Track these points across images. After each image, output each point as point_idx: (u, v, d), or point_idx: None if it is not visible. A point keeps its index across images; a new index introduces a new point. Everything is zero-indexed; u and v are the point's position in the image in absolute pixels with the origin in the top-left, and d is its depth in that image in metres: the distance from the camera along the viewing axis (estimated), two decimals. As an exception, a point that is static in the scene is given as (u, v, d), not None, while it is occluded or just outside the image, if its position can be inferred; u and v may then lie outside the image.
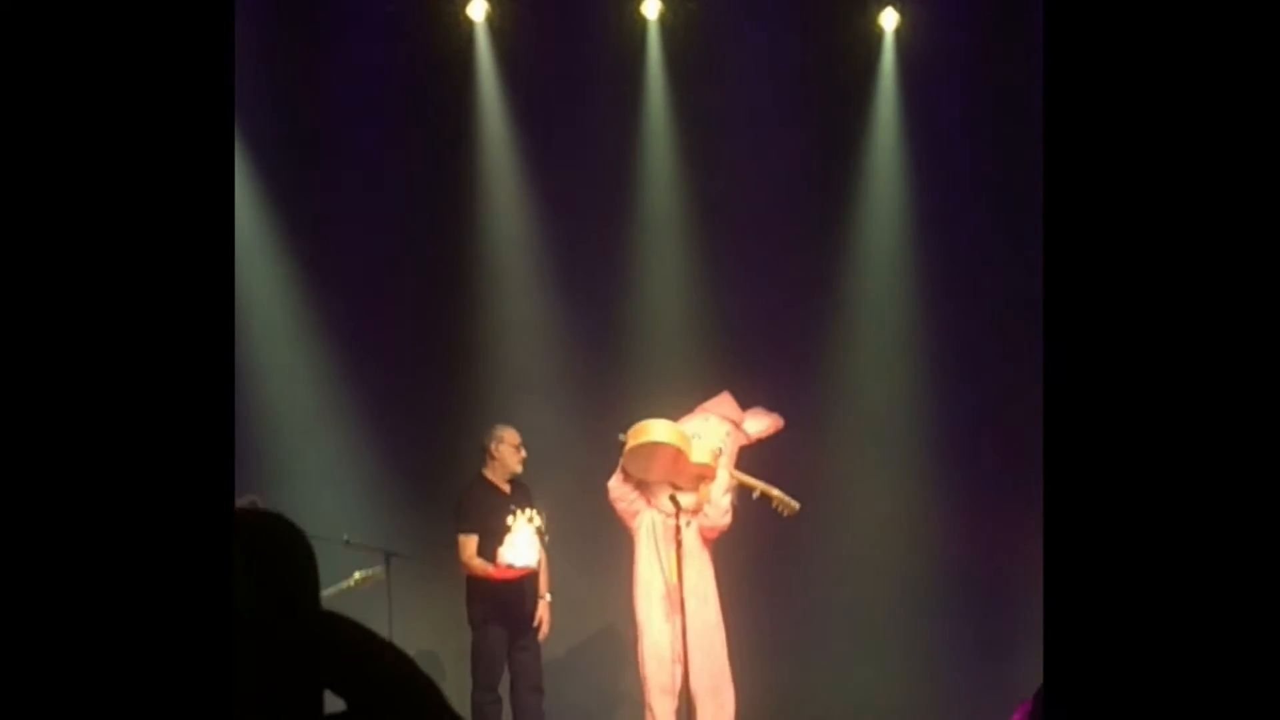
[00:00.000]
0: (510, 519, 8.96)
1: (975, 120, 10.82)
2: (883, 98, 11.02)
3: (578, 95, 10.87)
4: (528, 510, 9.01)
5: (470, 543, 9.03)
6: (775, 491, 9.16)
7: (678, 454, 8.87)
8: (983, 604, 10.44)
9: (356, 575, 9.16)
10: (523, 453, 9.22)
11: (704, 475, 9.00)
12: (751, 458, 9.29)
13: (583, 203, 10.96)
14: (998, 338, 10.53)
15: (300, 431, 10.73)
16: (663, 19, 10.89)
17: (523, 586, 9.05)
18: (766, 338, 10.83)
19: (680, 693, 8.88)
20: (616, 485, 9.04)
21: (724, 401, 9.25)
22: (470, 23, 10.83)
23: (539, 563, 9.07)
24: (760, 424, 9.27)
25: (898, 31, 10.94)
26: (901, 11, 10.90)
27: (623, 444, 8.89)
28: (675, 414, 9.13)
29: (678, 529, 8.81)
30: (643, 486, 9.05)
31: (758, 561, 9.98)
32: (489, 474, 9.21)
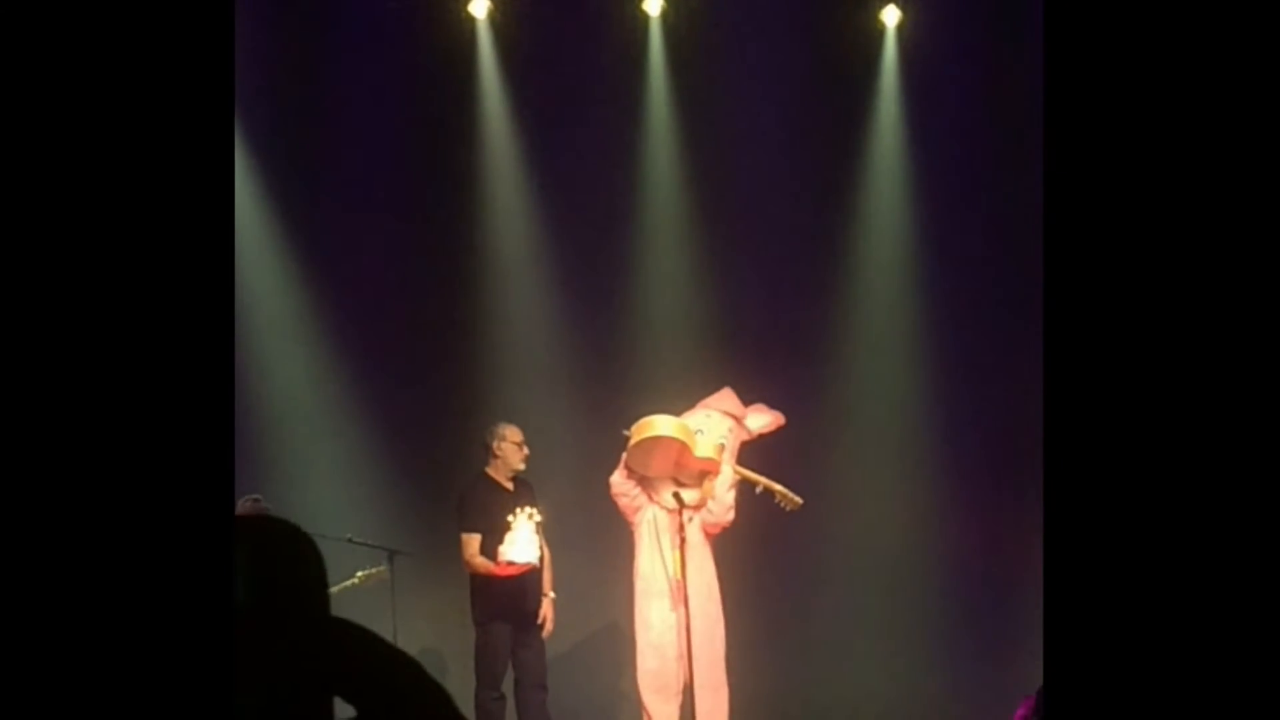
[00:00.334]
0: (511, 517, 8.96)
1: (977, 117, 10.82)
2: (884, 95, 11.02)
3: (580, 92, 10.87)
4: (527, 508, 9.01)
5: (473, 541, 9.02)
6: (778, 487, 9.17)
7: (682, 449, 8.88)
8: (985, 601, 10.44)
9: (360, 574, 9.17)
10: (525, 450, 9.21)
11: (708, 470, 9.01)
12: (753, 454, 9.30)
13: (584, 200, 10.96)
14: (1000, 336, 10.52)
15: (303, 430, 10.73)
16: (664, 15, 10.90)
17: (526, 584, 9.04)
18: (767, 334, 10.84)
19: (684, 689, 8.87)
20: (618, 480, 9.05)
21: (726, 397, 9.26)
22: (472, 20, 10.83)
23: (542, 560, 9.07)
24: (762, 420, 9.27)
25: (899, 28, 10.94)
26: (903, 8, 10.90)
27: (627, 439, 8.90)
28: (677, 410, 9.14)
29: (681, 525, 8.81)
30: (645, 482, 9.05)
31: (758, 557, 9.99)
32: (492, 472, 9.21)
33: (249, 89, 10.07)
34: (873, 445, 10.96)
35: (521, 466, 9.20)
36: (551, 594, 9.22)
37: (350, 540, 9.07)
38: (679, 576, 8.85)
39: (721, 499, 8.99)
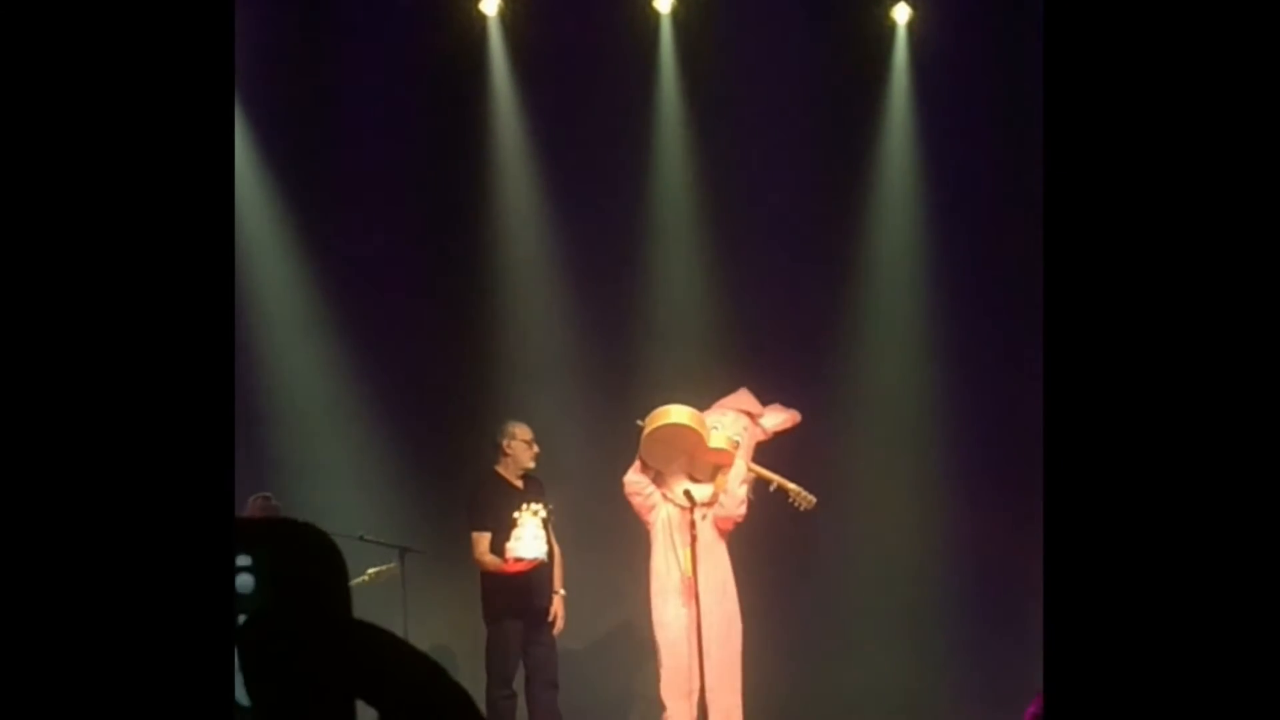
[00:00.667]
0: (517, 514, 8.97)
1: (988, 114, 10.81)
2: (895, 91, 11.01)
3: (590, 90, 10.87)
4: (533, 504, 9.01)
5: (483, 539, 9.03)
6: (791, 485, 9.17)
7: (696, 440, 8.89)
8: (997, 599, 10.42)
9: (370, 571, 9.18)
10: (535, 448, 9.21)
11: (721, 463, 9.01)
12: (768, 452, 9.30)
13: (596, 197, 10.96)
14: (1015, 334, 10.50)
15: (315, 428, 10.74)
16: (675, 13, 10.90)
17: (537, 581, 9.05)
18: (778, 332, 10.82)
19: (698, 687, 8.87)
20: (632, 478, 9.05)
21: (742, 396, 9.28)
22: (483, 16, 10.84)
23: (552, 557, 9.08)
24: (778, 418, 9.28)
25: (910, 25, 10.93)
26: (914, 5, 10.90)
27: (641, 430, 8.91)
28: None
29: (692, 523, 8.82)
30: (659, 479, 9.05)
31: (772, 556, 9.98)
32: (502, 470, 9.21)
33: (260, 86, 10.11)
34: (887, 444, 10.95)
35: (531, 465, 9.21)
36: (562, 591, 9.23)
37: (362, 538, 9.08)
38: (690, 574, 8.86)
39: (733, 493, 8.99)
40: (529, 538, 8.91)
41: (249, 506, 8.97)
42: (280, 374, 10.63)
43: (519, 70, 10.88)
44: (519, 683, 9.22)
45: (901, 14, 10.92)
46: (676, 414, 8.91)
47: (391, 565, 9.30)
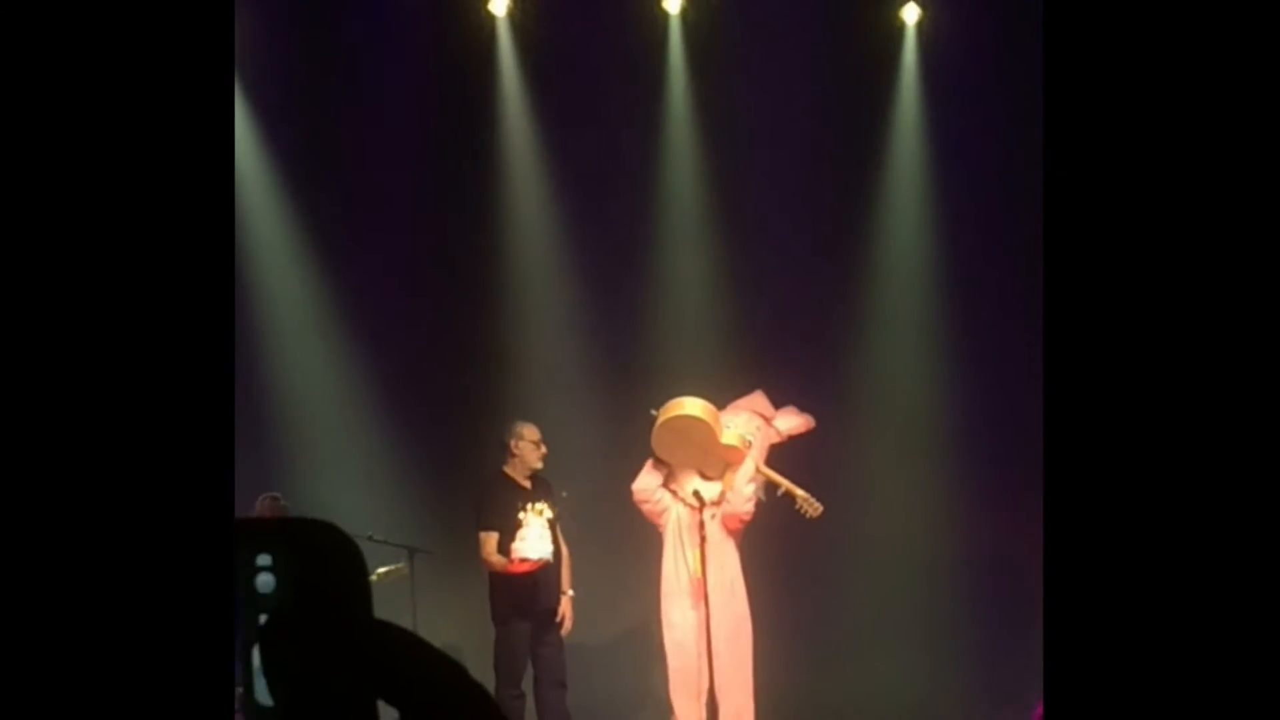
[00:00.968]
0: (523, 514, 8.98)
1: (997, 114, 10.78)
2: (904, 91, 11.01)
3: (599, 90, 10.87)
4: (538, 504, 9.01)
5: (490, 540, 9.03)
6: (800, 492, 9.13)
7: (709, 433, 8.88)
8: (1007, 601, 10.40)
9: (379, 571, 9.18)
10: (543, 449, 9.21)
11: (732, 461, 9.01)
12: (779, 454, 9.28)
13: (605, 197, 10.96)
14: (1027, 335, 10.44)
15: (324, 428, 10.76)
16: (684, 13, 10.90)
17: (545, 582, 9.05)
18: (786, 333, 10.81)
19: (707, 687, 8.86)
20: (640, 485, 9.03)
21: (757, 399, 9.27)
22: (492, 17, 10.84)
23: (560, 557, 9.08)
24: (791, 421, 9.26)
25: (919, 25, 10.93)
26: (923, 5, 10.89)
27: (654, 418, 8.91)
28: (704, 413, 9.14)
29: (701, 523, 8.81)
30: (669, 477, 9.05)
31: (782, 557, 9.96)
32: (509, 470, 9.21)
33: (269, 86, 10.12)
34: (898, 445, 10.95)
35: (539, 465, 9.21)
36: (570, 592, 9.23)
37: (371, 538, 9.08)
38: (699, 574, 8.85)
39: (740, 490, 8.97)
40: (534, 538, 8.91)
41: (258, 506, 8.98)
42: (290, 374, 10.64)
43: (528, 71, 10.88)
44: (527, 683, 9.22)
45: (910, 14, 10.92)
46: (690, 406, 8.92)
47: (400, 565, 9.30)
